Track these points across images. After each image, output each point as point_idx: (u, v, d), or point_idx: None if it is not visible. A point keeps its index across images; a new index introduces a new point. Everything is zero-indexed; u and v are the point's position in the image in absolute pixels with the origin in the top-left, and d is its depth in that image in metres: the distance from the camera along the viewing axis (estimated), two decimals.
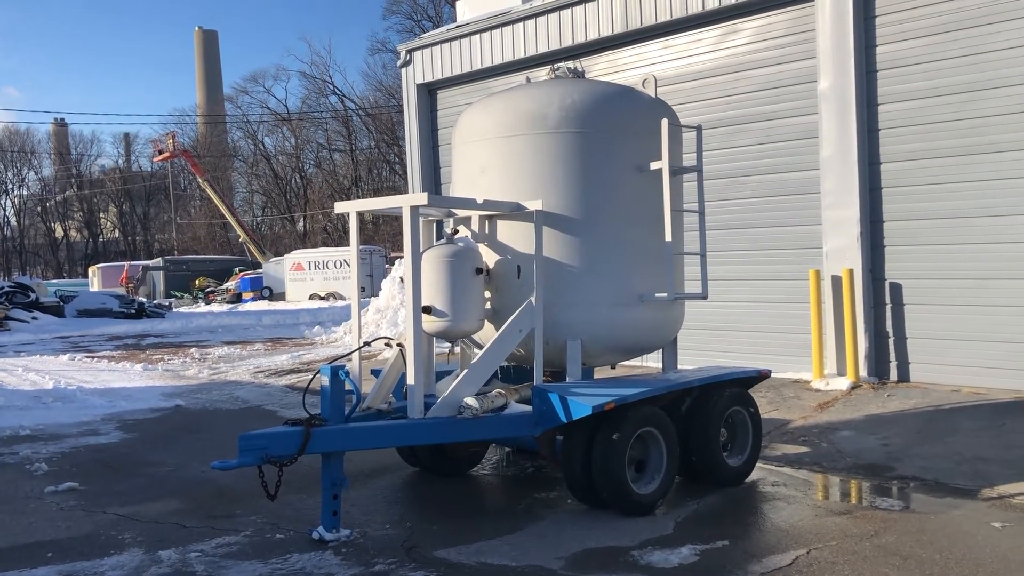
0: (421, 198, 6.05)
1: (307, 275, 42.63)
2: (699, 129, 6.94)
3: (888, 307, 10.09)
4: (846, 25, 10.06)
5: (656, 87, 6.97)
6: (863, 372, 10.03)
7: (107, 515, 6.39)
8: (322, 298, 40.06)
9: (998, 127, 9.20)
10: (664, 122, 6.46)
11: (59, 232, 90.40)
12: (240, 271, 49.08)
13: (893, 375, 10.05)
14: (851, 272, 10.06)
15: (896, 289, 10.03)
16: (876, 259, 10.15)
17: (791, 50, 10.77)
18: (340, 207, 6.71)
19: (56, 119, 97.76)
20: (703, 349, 10.78)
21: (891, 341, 10.07)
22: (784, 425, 8.51)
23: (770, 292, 11.00)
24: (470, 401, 5.94)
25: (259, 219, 73.79)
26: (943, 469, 6.93)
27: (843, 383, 9.84)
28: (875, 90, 10.07)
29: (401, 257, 24.65)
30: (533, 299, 6.23)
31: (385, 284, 20.48)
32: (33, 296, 28.95)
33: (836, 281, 10.22)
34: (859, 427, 8.28)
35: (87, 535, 5.93)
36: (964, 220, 9.47)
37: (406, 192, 11.73)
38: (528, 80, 7.23)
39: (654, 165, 6.48)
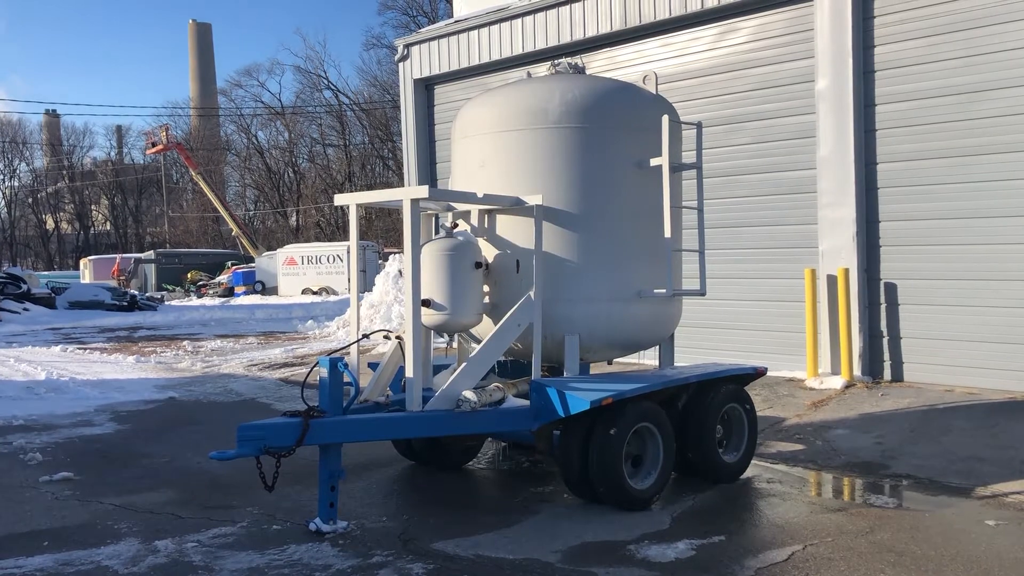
0: (422, 191, 6.05)
1: (300, 269, 42.57)
2: (699, 126, 6.96)
3: (883, 307, 10.12)
4: (845, 25, 10.08)
5: (657, 84, 6.98)
6: (857, 371, 10.07)
7: (102, 505, 6.38)
8: (315, 292, 40.02)
9: (995, 129, 9.24)
10: (665, 118, 6.47)
11: (50, 224, 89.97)
12: (232, 265, 49.05)
13: (887, 374, 10.09)
14: (847, 272, 10.10)
15: (891, 289, 10.07)
16: (872, 259, 10.18)
17: (789, 49, 10.79)
18: (340, 199, 6.71)
19: (48, 110, 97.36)
20: (699, 346, 10.78)
21: (885, 341, 10.11)
22: (779, 423, 8.54)
23: (766, 291, 11.03)
24: (468, 394, 5.95)
25: (252, 213, 73.61)
26: (937, 468, 6.96)
27: (837, 382, 9.87)
28: (872, 90, 10.09)
29: (395, 252, 24.59)
30: (532, 294, 6.24)
31: (379, 279, 20.45)
32: (25, 287, 28.82)
33: (832, 280, 10.25)
34: (853, 425, 8.32)
35: (83, 525, 5.92)
36: (960, 221, 9.51)
37: (400, 187, 11.74)
38: (529, 75, 7.23)
39: (654, 161, 6.49)
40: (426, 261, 6.17)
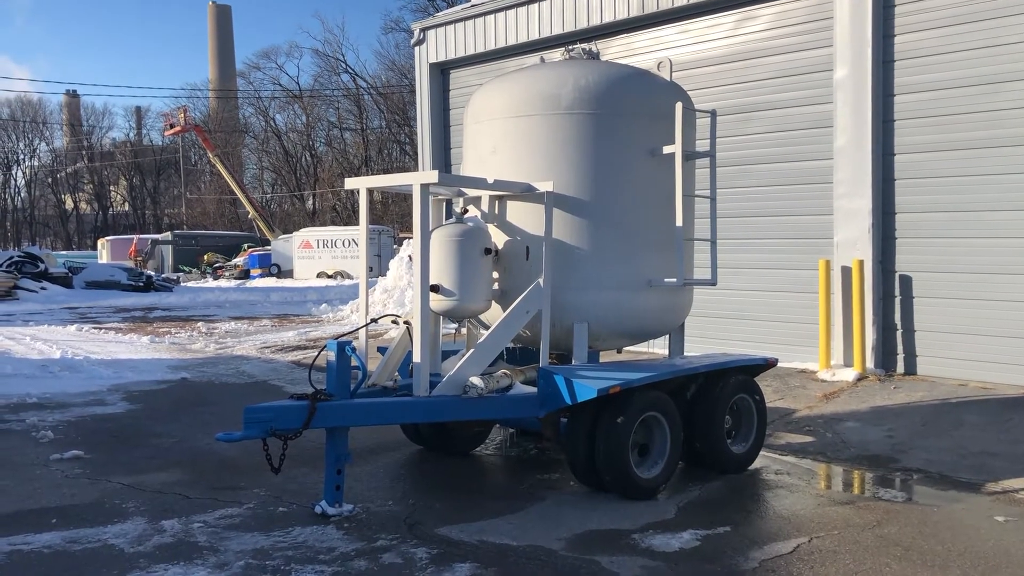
0: (432, 176, 6.02)
1: (315, 253, 42.71)
2: (713, 114, 6.90)
3: (897, 299, 10.03)
4: (864, 14, 9.95)
5: (671, 71, 6.92)
6: (870, 364, 9.99)
7: (111, 484, 6.42)
8: (330, 276, 40.15)
9: (1014, 120, 9.10)
10: (678, 106, 6.41)
11: (69, 204, 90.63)
12: (249, 247, 49.26)
13: (900, 367, 10.01)
14: (861, 263, 10.01)
15: (906, 281, 9.97)
16: (887, 251, 10.09)
17: (808, 38, 10.66)
18: (351, 183, 6.70)
19: (68, 90, 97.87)
20: (709, 336, 10.74)
21: (899, 333, 10.03)
22: (789, 414, 8.49)
23: (779, 281, 10.95)
24: (475, 380, 5.94)
25: (268, 196, 73.84)
26: (947, 462, 6.91)
27: (849, 374, 9.80)
28: (891, 80, 9.97)
29: (409, 237, 24.67)
30: (541, 281, 6.21)
31: (392, 264, 20.50)
32: (42, 266, 29.07)
33: (846, 272, 10.16)
34: (864, 418, 8.26)
35: (91, 503, 5.96)
36: (976, 214, 9.40)
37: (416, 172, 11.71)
38: (542, 60, 7.18)
39: (667, 149, 6.44)
40: (435, 246, 6.16)
